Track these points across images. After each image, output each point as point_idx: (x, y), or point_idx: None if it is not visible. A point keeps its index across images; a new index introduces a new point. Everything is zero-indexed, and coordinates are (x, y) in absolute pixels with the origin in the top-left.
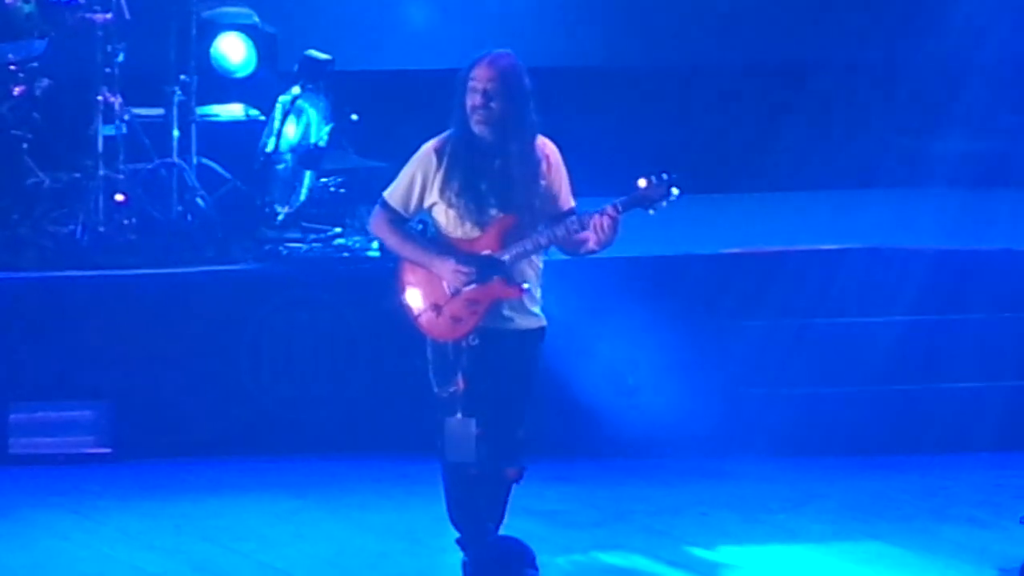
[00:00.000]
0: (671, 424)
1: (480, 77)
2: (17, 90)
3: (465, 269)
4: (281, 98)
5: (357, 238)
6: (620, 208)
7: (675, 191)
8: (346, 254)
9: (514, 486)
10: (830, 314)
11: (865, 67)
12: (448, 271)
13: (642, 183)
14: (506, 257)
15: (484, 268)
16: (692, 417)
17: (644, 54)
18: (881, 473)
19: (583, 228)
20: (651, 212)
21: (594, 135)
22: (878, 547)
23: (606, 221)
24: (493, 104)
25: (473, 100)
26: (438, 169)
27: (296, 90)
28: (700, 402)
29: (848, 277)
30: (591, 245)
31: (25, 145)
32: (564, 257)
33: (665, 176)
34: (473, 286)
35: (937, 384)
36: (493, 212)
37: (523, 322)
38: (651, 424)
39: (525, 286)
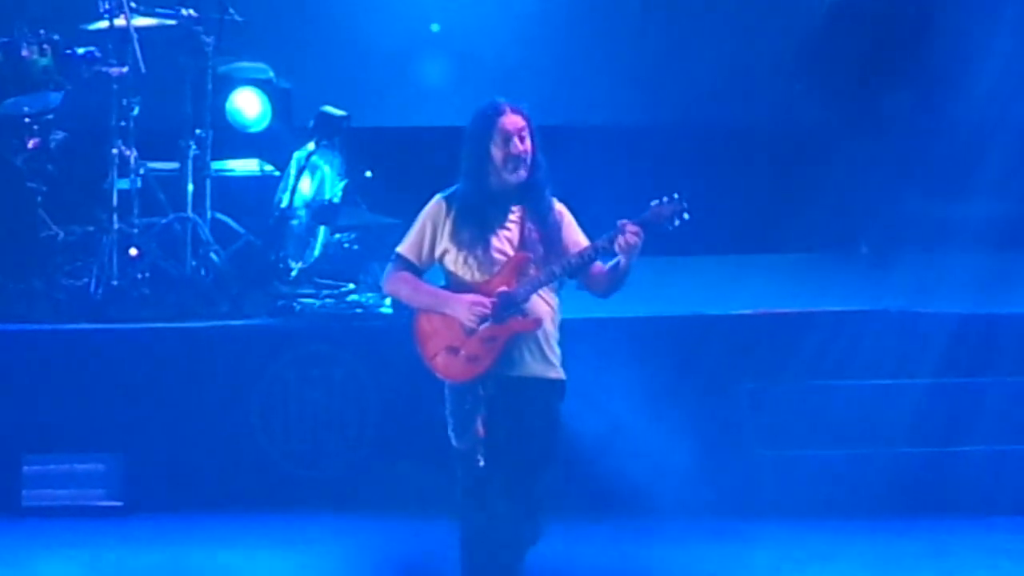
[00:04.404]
0: (686, 485)
1: (515, 124)
2: (32, 143)
3: (480, 305)
4: (296, 154)
5: (370, 294)
6: (638, 223)
7: (686, 214)
8: (359, 310)
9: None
10: (849, 376)
11: (889, 131)
12: (463, 309)
13: (654, 203)
14: (520, 291)
15: (500, 304)
16: (707, 479)
17: (650, 112)
18: (892, 536)
19: (596, 255)
20: (668, 228)
21: (596, 193)
22: None
23: (630, 237)
24: (529, 151)
25: (514, 147)
26: (447, 216)
27: (311, 146)
28: (715, 464)
29: (867, 340)
30: (623, 263)
31: (40, 198)
32: (578, 317)
33: (676, 196)
34: (489, 323)
35: (956, 447)
36: (505, 255)
37: (541, 369)
38: (666, 485)
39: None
